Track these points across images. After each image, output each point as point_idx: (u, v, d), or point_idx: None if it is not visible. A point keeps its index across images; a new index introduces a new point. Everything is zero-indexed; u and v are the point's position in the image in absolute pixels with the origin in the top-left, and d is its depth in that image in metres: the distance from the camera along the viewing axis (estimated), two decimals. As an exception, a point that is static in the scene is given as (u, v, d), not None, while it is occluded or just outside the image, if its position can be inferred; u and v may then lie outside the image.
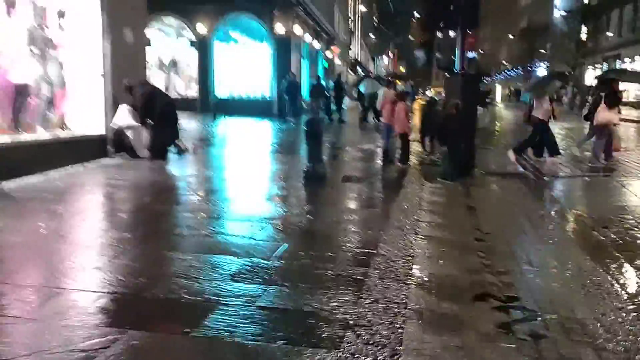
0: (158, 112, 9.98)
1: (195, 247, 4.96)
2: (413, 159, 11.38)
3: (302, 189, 8.31)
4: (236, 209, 6.99)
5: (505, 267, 4.71)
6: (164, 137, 10.09)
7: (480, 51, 72.40)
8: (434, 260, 4.84)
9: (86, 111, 9.97)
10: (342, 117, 23.62)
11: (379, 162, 11.36)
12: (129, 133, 10.03)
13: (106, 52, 9.99)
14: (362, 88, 23.73)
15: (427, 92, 61.83)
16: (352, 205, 7.53)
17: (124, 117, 9.96)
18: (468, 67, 21.38)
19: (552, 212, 7.44)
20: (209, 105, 24.90)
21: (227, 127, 19.36)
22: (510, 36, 65.20)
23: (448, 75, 11.99)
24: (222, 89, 26.29)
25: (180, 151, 11.00)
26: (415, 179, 9.32)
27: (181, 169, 9.92)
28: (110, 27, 9.95)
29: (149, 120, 10.09)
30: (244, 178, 9.29)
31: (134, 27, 10.88)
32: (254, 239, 5.24)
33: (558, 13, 51.02)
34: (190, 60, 27.00)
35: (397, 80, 26.41)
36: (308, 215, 6.48)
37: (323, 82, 26.71)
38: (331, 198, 7.81)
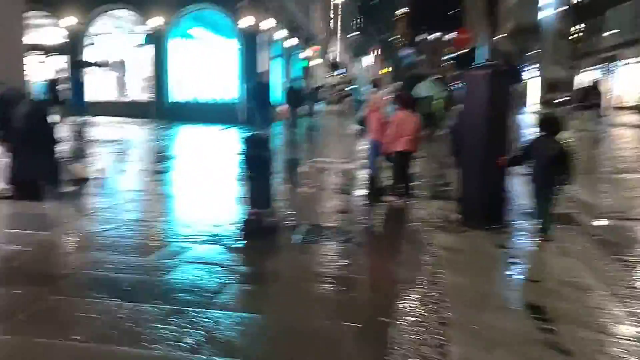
0: (23, 127, 6.50)
1: None
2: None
3: (227, 260, 4.91)
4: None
5: None
6: (36, 165, 6.60)
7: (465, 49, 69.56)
8: None
9: None
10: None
11: (363, 194, 8.00)
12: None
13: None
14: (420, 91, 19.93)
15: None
16: (315, 309, 4.12)
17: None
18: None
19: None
20: (165, 110, 21.43)
21: (176, 138, 15.84)
22: (501, 36, 62.46)
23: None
24: (180, 92, 22.81)
25: (76, 182, 7.54)
26: (427, 229, 6.00)
27: (52, 216, 6.45)
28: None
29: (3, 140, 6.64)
30: (143, 234, 5.84)
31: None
32: None
33: (549, 12, 48.32)
34: (143, 59, 23.42)
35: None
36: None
37: (300, 84, 23.52)
38: (274, 291, 4.41)
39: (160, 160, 11.59)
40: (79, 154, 11.53)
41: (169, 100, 21.61)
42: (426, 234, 5.91)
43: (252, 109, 16.63)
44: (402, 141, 7.49)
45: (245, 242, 5.35)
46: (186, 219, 6.15)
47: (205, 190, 7.99)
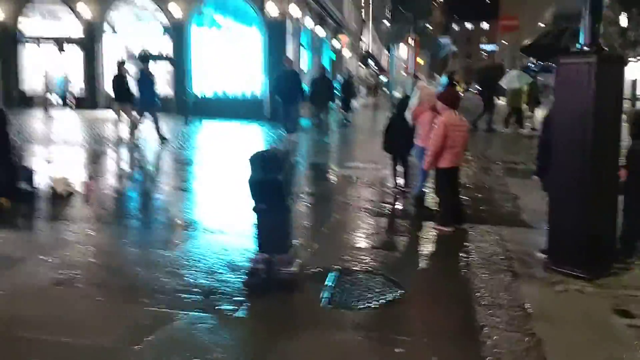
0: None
1: None
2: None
3: (214, 348, 3.30)
4: None
5: None
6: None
7: (504, 42, 66.92)
8: None
9: None
10: (348, 119, 18.92)
11: (407, 218, 6.35)
12: None
13: None
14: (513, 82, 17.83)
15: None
16: None
17: None
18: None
19: None
20: (186, 105, 20.04)
21: (195, 137, 14.33)
22: (541, 25, 59.56)
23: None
24: (203, 86, 21.38)
25: (55, 198, 6.10)
26: (499, 276, 4.36)
27: None
28: None
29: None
30: (101, 287, 4.29)
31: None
32: None
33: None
34: (164, 50, 22.05)
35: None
36: None
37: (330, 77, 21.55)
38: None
39: (170, 167, 10.10)
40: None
41: (191, 95, 20.16)
42: (500, 286, 4.25)
43: (278, 103, 13.88)
44: (449, 155, 5.80)
45: (248, 305, 3.76)
46: (173, 263, 4.58)
47: (212, 216, 6.42)
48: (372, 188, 8.07)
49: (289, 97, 12.89)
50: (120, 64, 12.84)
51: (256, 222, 4.05)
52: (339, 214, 6.53)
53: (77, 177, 7.73)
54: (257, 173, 3.94)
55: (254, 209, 4.02)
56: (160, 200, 7.00)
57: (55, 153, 10.89)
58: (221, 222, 5.86)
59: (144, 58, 14.43)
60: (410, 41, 22.17)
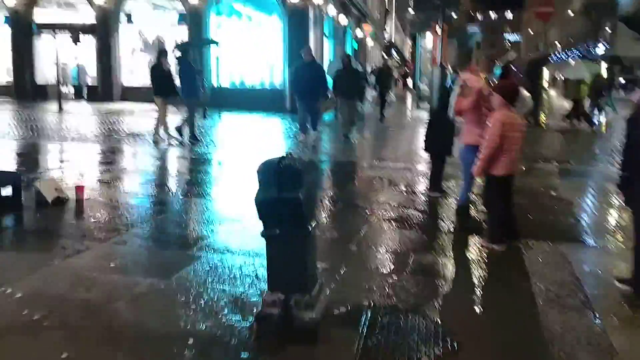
0: None
1: None
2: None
3: None
4: None
5: None
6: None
7: (531, 31, 64.88)
8: None
9: None
10: (383, 113, 17.52)
11: (449, 232, 5.40)
12: None
13: None
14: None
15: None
16: None
17: None
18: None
19: None
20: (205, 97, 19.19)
21: (209, 134, 13.45)
22: (570, 13, 57.61)
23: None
24: (222, 76, 20.56)
25: (40, 205, 5.27)
26: (575, 314, 3.42)
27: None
28: None
29: None
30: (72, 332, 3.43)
31: None
32: None
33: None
34: (180, 39, 21.24)
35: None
36: None
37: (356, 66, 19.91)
38: None
39: (185, 168, 9.26)
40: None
41: (209, 86, 19.33)
42: (581, 330, 3.31)
43: (297, 103, 11.69)
44: (505, 159, 4.83)
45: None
46: (167, 297, 3.69)
47: (224, 231, 5.52)
48: (406, 193, 7.11)
49: (309, 94, 10.89)
50: (161, 53, 11.29)
51: (267, 252, 3.15)
52: (368, 227, 5.58)
53: (74, 180, 6.92)
54: (268, 189, 3.02)
55: (264, 235, 3.11)
56: (166, 209, 6.11)
57: (61, 150, 10.14)
58: (233, 240, 4.97)
59: (184, 47, 13.13)
60: (438, 30, 20.92)
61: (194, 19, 20.21)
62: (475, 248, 5.00)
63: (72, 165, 8.41)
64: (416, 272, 4.35)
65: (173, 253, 4.58)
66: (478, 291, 4.12)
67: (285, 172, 3.03)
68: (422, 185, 7.56)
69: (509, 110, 4.87)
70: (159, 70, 10.75)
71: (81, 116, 16.17)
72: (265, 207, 3.04)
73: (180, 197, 6.67)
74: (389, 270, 4.39)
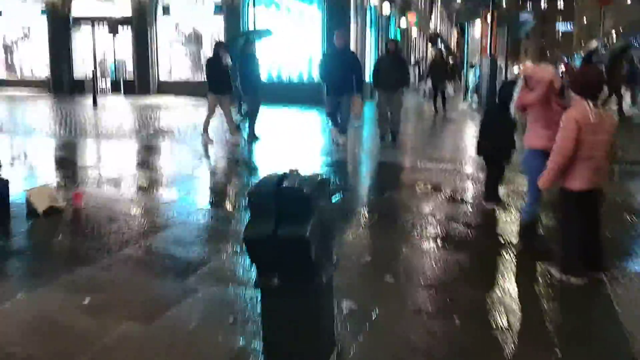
0: None
1: None
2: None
3: None
4: None
5: None
6: None
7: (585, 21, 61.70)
8: None
9: None
10: (438, 107, 16.14)
11: (512, 258, 4.38)
12: None
13: None
14: None
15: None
16: None
17: None
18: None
19: None
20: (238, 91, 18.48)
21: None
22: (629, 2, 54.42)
23: None
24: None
25: (31, 215, 4.55)
26: None
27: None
28: None
29: None
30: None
31: None
32: None
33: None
34: (216, 31, 20.60)
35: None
36: None
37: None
38: None
39: (216, 171, 8.49)
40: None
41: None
42: None
43: (326, 89, 10.01)
44: (583, 169, 3.79)
45: None
46: (140, 355, 2.84)
47: (233, 262, 4.65)
48: (455, 202, 6.07)
49: (340, 86, 9.27)
50: (219, 45, 10.14)
51: (262, 310, 2.25)
52: (408, 248, 4.60)
53: (88, 183, 6.22)
54: (263, 222, 2.12)
55: (258, 285, 2.21)
56: (173, 223, 5.26)
57: (82, 148, 9.54)
58: (246, 265, 4.09)
59: (248, 37, 11.85)
60: (489, 18, 19.55)
61: (231, 10, 19.53)
62: (544, 280, 3.97)
63: (89, 166, 7.76)
64: (471, 315, 3.37)
65: (164, 284, 3.71)
66: (553, 347, 3.11)
67: (286, 197, 2.11)
68: (474, 193, 6.51)
69: (588, 105, 3.80)
70: (215, 65, 9.59)
71: (115, 111, 15.70)
72: (259, 247, 2.14)
73: (200, 207, 5.82)
74: (434, 312, 3.43)
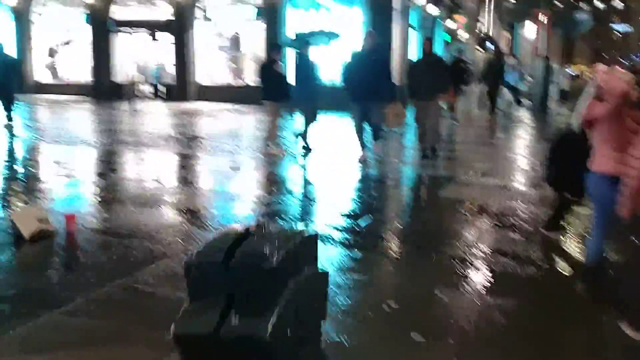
0: None
1: None
2: None
3: None
4: None
5: None
6: None
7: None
8: None
9: None
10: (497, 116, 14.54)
11: (575, 310, 3.51)
12: None
13: None
14: None
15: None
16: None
17: None
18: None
19: None
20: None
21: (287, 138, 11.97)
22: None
23: None
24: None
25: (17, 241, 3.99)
26: None
27: None
28: None
29: None
30: None
31: None
32: None
33: None
34: (255, 35, 20.13)
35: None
36: None
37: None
38: None
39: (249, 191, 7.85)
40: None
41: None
42: None
43: (350, 97, 8.54)
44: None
45: None
46: None
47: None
48: (506, 228, 5.19)
49: (367, 93, 7.93)
50: (274, 48, 9.53)
51: None
52: (443, 294, 3.78)
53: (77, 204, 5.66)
54: (203, 311, 1.41)
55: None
56: (174, 252, 4.62)
57: (106, 157, 9.07)
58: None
59: (304, 39, 11.06)
60: (542, 17, 18.38)
61: (271, 13, 19.00)
62: (614, 339, 3.11)
63: (108, 178, 7.25)
64: None
65: (132, 351, 3.01)
66: None
67: (241, 273, 1.39)
68: (529, 216, 5.59)
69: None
70: (270, 70, 8.88)
71: (151, 116, 15.39)
72: (197, 349, 1.43)
73: (210, 230, 5.17)
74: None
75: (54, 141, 10.22)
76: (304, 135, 9.07)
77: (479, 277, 4.01)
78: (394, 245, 4.80)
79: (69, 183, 6.87)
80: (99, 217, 5.23)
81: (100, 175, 7.57)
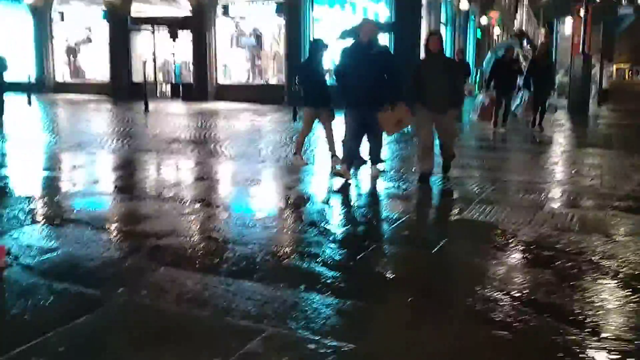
0: None
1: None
2: None
3: None
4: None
5: None
6: None
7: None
8: None
9: None
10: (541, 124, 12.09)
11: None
12: None
13: None
14: None
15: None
16: None
17: None
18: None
19: None
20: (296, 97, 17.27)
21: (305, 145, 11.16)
22: None
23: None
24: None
25: None
26: None
27: None
28: None
29: None
30: None
31: None
32: None
33: None
34: (277, 31, 19.50)
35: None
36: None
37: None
38: None
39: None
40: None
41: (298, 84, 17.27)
42: None
43: (345, 102, 6.67)
44: None
45: None
46: None
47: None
48: (535, 266, 4.24)
49: (366, 98, 6.27)
50: (316, 44, 7.63)
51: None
52: None
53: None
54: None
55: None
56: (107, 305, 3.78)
57: (96, 163, 8.39)
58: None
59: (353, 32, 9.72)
60: (582, 13, 17.19)
61: (292, 10, 18.28)
62: None
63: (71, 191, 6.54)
64: None
65: None
66: None
67: None
68: (562, 255, 4.58)
69: None
70: (310, 69, 7.54)
71: (164, 117, 14.83)
72: None
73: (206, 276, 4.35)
74: None
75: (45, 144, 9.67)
76: (331, 145, 7.33)
77: (503, 335, 3.10)
78: (391, 294, 3.92)
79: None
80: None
81: (116, 185, 6.88)
